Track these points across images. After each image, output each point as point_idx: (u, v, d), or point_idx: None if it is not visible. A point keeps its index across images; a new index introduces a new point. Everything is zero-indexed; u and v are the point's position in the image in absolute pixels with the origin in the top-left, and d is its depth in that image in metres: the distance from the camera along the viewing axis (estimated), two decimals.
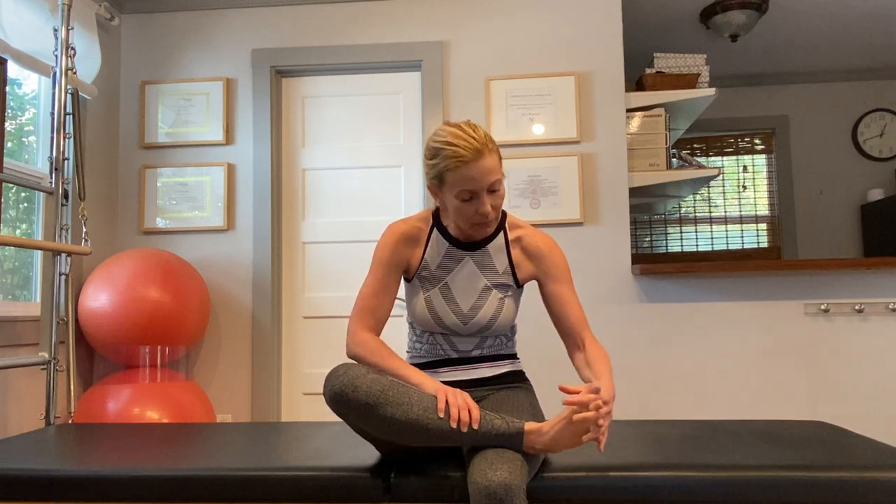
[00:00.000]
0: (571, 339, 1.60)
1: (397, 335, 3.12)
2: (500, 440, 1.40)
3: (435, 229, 1.68)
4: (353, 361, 1.48)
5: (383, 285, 1.63)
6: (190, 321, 2.77)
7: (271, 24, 3.20)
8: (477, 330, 1.64)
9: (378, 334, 1.60)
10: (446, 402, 1.42)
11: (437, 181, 1.55)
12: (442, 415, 1.40)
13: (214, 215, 3.14)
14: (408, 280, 1.70)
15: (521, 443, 1.41)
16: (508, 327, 1.68)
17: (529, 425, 1.42)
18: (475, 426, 1.40)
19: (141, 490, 1.51)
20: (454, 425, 1.40)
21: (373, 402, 1.40)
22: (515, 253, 1.67)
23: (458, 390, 1.45)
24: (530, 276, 1.68)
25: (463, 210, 1.54)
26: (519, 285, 1.69)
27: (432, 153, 1.53)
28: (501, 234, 1.68)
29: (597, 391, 1.36)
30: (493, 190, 1.53)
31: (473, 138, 1.49)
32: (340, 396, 1.42)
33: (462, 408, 1.40)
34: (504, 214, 1.71)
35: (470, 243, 1.67)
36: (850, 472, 1.44)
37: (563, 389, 1.37)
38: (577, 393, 1.36)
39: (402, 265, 1.66)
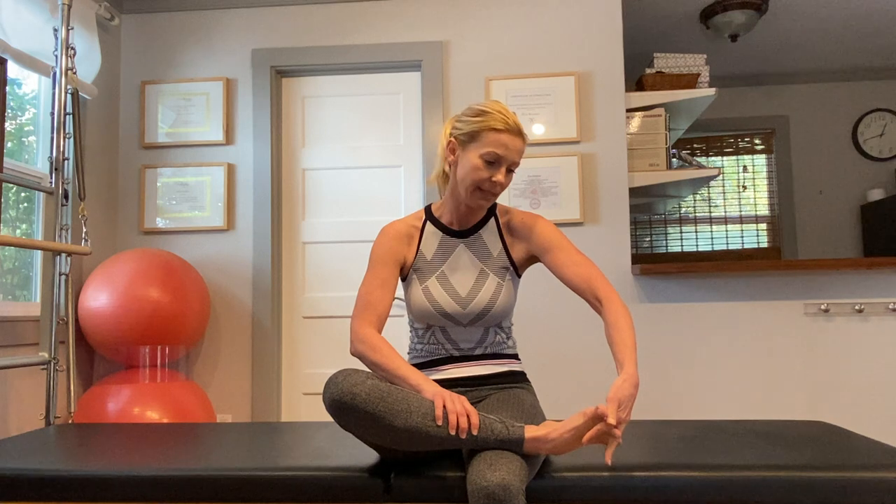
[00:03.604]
0: (588, 299, 1.60)
1: (398, 335, 3.12)
2: (500, 445, 1.40)
3: (428, 222, 1.74)
4: (351, 368, 1.49)
5: (381, 281, 1.65)
6: (190, 321, 2.77)
7: (271, 24, 3.20)
8: (476, 315, 1.65)
9: (380, 330, 1.61)
10: (444, 409, 1.41)
11: (467, 137, 1.62)
12: (440, 422, 1.40)
13: (214, 215, 3.14)
14: (404, 278, 1.73)
15: (521, 448, 1.40)
16: (507, 315, 1.70)
17: (532, 431, 1.41)
18: (474, 432, 1.39)
19: (141, 490, 1.51)
20: (453, 432, 1.39)
21: (371, 410, 1.39)
22: (507, 234, 1.73)
23: (456, 395, 1.44)
24: (525, 255, 1.72)
25: (479, 173, 1.60)
26: (516, 270, 1.72)
27: (476, 112, 1.62)
28: (493, 218, 1.74)
29: (603, 417, 1.35)
30: (511, 170, 1.63)
31: (517, 121, 1.63)
32: (339, 404, 1.41)
33: (461, 414, 1.39)
34: (493, 203, 1.78)
35: (463, 231, 1.72)
36: (850, 472, 1.44)
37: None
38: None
39: (399, 261, 1.69)
